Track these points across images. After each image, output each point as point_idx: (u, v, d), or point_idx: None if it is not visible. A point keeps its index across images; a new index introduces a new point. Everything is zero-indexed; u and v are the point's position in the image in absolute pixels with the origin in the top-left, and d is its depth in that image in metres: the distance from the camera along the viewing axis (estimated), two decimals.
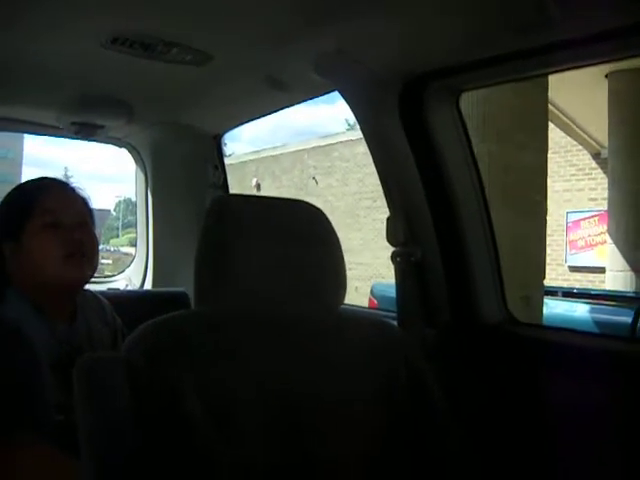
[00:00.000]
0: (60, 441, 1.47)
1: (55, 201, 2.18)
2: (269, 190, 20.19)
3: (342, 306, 1.85)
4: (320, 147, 19.24)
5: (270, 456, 1.58)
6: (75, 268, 2.13)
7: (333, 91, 2.50)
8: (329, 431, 1.67)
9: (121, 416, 1.50)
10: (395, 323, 2.42)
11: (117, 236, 43.71)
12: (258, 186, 20.82)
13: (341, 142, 18.59)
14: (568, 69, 2.18)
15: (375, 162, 2.47)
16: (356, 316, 2.02)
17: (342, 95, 2.43)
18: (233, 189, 3.67)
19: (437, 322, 2.44)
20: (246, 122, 3.33)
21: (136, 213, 3.84)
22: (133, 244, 4.06)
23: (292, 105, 2.91)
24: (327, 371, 1.71)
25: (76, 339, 2.18)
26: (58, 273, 2.10)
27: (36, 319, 2.06)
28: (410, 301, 2.46)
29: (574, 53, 1.91)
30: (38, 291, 2.11)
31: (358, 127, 2.57)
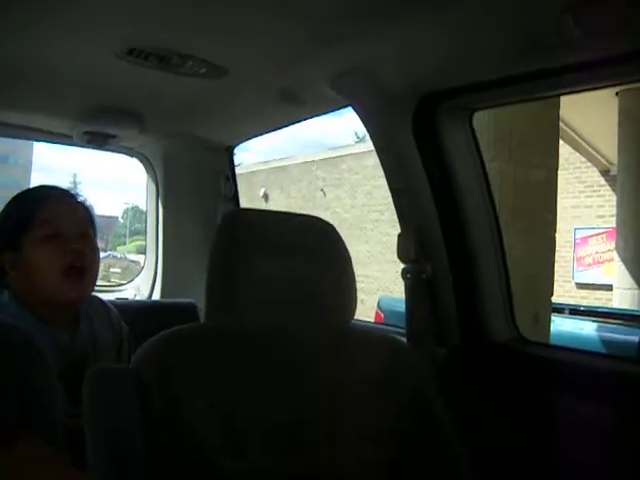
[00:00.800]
0: (69, 449, 1.47)
1: (54, 211, 2.15)
2: (277, 201, 20.20)
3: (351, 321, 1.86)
4: (329, 159, 19.24)
5: (275, 471, 1.58)
6: (74, 285, 2.10)
7: (347, 107, 2.51)
8: (335, 450, 1.67)
9: (129, 428, 1.50)
10: (404, 339, 2.42)
11: (124, 243, 43.74)
12: (266, 196, 20.83)
13: (350, 154, 18.59)
14: (583, 90, 2.18)
15: (387, 178, 2.47)
16: (366, 334, 2.02)
17: (356, 111, 2.43)
18: (241, 199, 3.67)
19: (446, 340, 2.44)
20: (259, 135, 3.33)
21: (143, 221, 3.85)
22: (140, 251, 4.05)
23: (305, 119, 2.91)
24: (335, 388, 1.71)
25: (80, 347, 2.17)
26: (57, 289, 2.08)
27: (37, 327, 2.04)
28: (420, 318, 2.46)
29: (590, 74, 1.90)
30: (38, 302, 2.09)
31: (367, 139, 2.58)
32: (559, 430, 2.11)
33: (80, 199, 2.28)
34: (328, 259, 1.78)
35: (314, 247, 1.76)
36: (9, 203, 2.21)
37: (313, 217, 1.87)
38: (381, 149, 2.46)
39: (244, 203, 3.81)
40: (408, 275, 2.46)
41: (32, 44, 2.21)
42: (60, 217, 2.14)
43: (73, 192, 2.30)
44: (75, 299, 2.14)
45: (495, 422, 2.27)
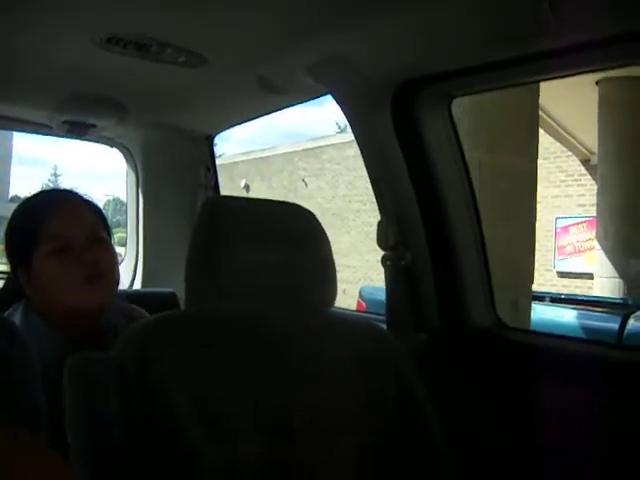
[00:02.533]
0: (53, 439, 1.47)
1: (61, 223, 2.03)
2: (258, 192, 20.18)
3: (332, 309, 1.86)
4: (310, 149, 19.25)
5: (259, 458, 1.59)
6: (93, 292, 1.99)
7: (326, 94, 2.50)
8: (318, 436, 1.67)
9: (111, 415, 1.50)
10: (384, 326, 2.43)
11: None
12: (247, 187, 20.81)
13: (331, 145, 18.60)
14: (561, 77, 2.19)
15: (367, 166, 2.48)
16: (347, 319, 2.02)
17: (335, 99, 2.44)
18: (222, 190, 3.67)
19: (426, 326, 2.45)
20: (239, 124, 3.33)
21: (125, 213, 3.83)
22: (121, 244, 4.03)
23: (285, 108, 2.91)
24: (316, 374, 1.72)
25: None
26: (75, 300, 1.97)
27: (50, 331, 1.98)
28: (400, 305, 2.47)
29: (568, 61, 1.91)
30: (59, 316, 2.00)
31: (348, 130, 2.58)
32: (539, 415, 2.12)
33: (86, 198, 2.18)
34: (308, 246, 1.78)
35: (294, 234, 1.77)
36: (13, 216, 2.11)
37: (293, 204, 1.87)
38: (360, 137, 2.47)
39: (225, 193, 3.79)
40: (388, 262, 2.47)
41: (7, 31, 2.19)
42: (68, 227, 2.03)
43: (77, 191, 2.19)
44: (95, 307, 2.02)
45: (475, 407, 2.29)
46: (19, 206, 2.16)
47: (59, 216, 2.04)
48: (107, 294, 2.06)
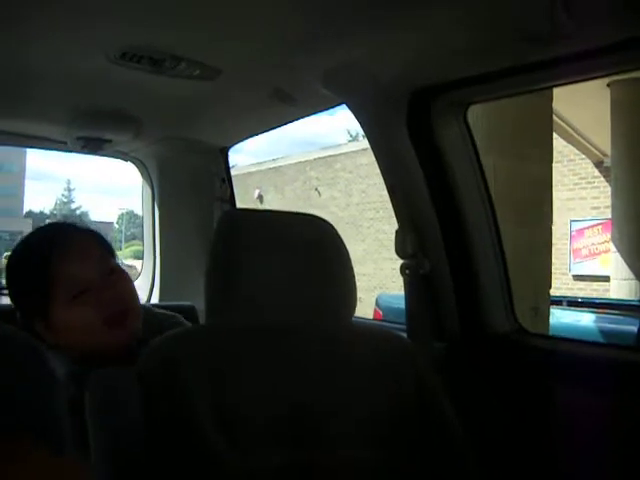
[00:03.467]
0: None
1: (73, 264, 1.92)
2: (272, 202, 20.21)
3: (352, 318, 1.86)
4: (322, 158, 19.27)
5: (280, 466, 1.59)
6: (122, 330, 1.93)
7: (341, 104, 2.51)
8: (337, 444, 1.67)
9: (134, 431, 1.51)
10: (404, 335, 2.43)
11: (120, 248, 43.79)
12: (260, 197, 20.85)
13: (344, 153, 18.62)
14: (577, 81, 2.18)
15: (383, 175, 2.48)
16: (367, 329, 2.03)
17: (350, 108, 2.44)
18: (235, 200, 3.67)
19: (447, 334, 2.45)
20: (254, 135, 3.33)
21: (138, 225, 3.84)
22: (136, 256, 4.03)
23: (300, 118, 2.91)
24: (337, 384, 1.72)
25: None
26: (104, 343, 1.92)
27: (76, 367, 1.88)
28: (419, 313, 2.46)
29: (583, 66, 1.91)
30: (86, 355, 1.93)
31: (360, 138, 2.58)
32: (561, 421, 2.12)
33: (83, 226, 2.11)
34: (327, 256, 1.78)
35: (312, 245, 1.77)
36: (16, 259, 2.01)
37: (310, 215, 1.87)
38: (376, 145, 2.47)
39: (239, 205, 3.80)
40: (407, 271, 2.46)
41: (23, 49, 2.20)
42: (79, 268, 1.93)
43: (71, 220, 2.10)
44: (126, 342, 1.95)
45: (497, 414, 2.28)
46: (20, 249, 2.04)
47: (68, 258, 1.94)
48: (135, 326, 1.99)
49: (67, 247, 1.96)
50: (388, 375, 1.79)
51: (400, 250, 2.45)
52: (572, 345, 2.48)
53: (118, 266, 2.06)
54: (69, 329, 1.91)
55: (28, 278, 1.94)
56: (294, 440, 1.62)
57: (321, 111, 2.78)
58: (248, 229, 1.72)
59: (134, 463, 1.50)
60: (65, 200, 53.75)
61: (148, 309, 2.22)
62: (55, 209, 53.28)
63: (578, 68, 1.95)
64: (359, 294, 1.83)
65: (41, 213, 53.72)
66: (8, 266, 2.00)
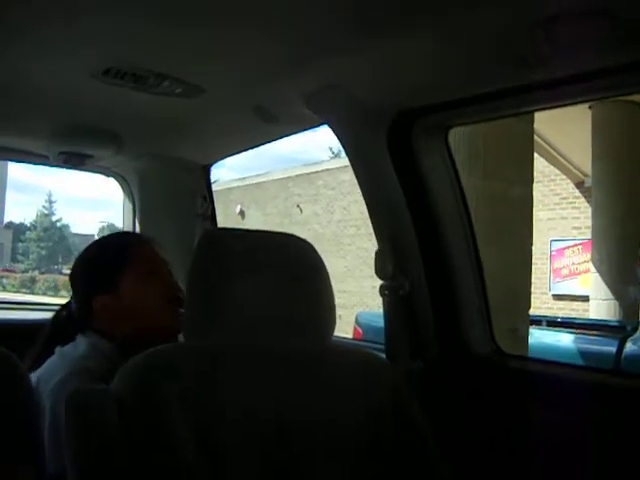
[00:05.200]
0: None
1: (150, 250, 2.21)
2: (253, 218, 20.20)
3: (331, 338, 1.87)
4: (305, 175, 19.29)
5: None
6: (176, 313, 2.07)
7: (323, 124, 2.51)
8: (316, 461, 1.67)
9: (111, 449, 1.50)
10: (383, 355, 2.43)
11: None
12: (242, 213, 20.83)
13: (326, 170, 18.64)
14: (557, 106, 2.21)
15: (364, 195, 2.48)
16: (346, 350, 2.03)
17: (332, 129, 2.44)
18: (217, 216, 3.67)
19: (425, 355, 2.45)
20: (235, 153, 3.33)
21: None
22: None
23: (282, 137, 2.92)
24: (315, 405, 1.72)
25: None
26: (164, 319, 2.08)
27: (106, 360, 2.00)
28: (398, 334, 2.47)
29: (563, 91, 1.93)
30: (134, 340, 2.03)
31: (342, 155, 2.59)
32: (538, 443, 2.12)
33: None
34: (306, 276, 1.79)
35: (292, 265, 1.78)
36: (91, 249, 2.24)
37: (290, 235, 1.88)
38: (357, 166, 2.47)
39: (220, 220, 3.80)
40: (386, 292, 2.47)
41: (6, 64, 2.20)
42: (155, 255, 2.21)
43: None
44: (175, 328, 2.09)
45: (474, 435, 2.28)
46: (95, 242, 2.32)
47: (147, 245, 2.25)
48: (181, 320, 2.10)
49: (141, 239, 2.37)
50: (366, 396, 1.79)
51: (380, 271, 2.46)
52: (550, 367, 2.49)
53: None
54: (136, 301, 2.09)
55: (106, 257, 2.16)
56: (274, 460, 1.62)
57: (303, 130, 2.78)
58: (227, 249, 1.72)
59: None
60: (46, 212, 53.40)
61: None
62: (36, 221, 52.95)
63: (558, 94, 1.97)
64: (339, 311, 1.84)
65: (21, 224, 53.56)
66: (80, 256, 2.25)
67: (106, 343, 2.04)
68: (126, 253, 2.15)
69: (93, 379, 1.87)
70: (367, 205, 2.48)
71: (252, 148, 3.16)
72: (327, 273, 1.82)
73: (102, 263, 2.14)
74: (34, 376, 1.85)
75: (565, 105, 2.16)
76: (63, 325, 2.16)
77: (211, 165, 3.51)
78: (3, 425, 1.36)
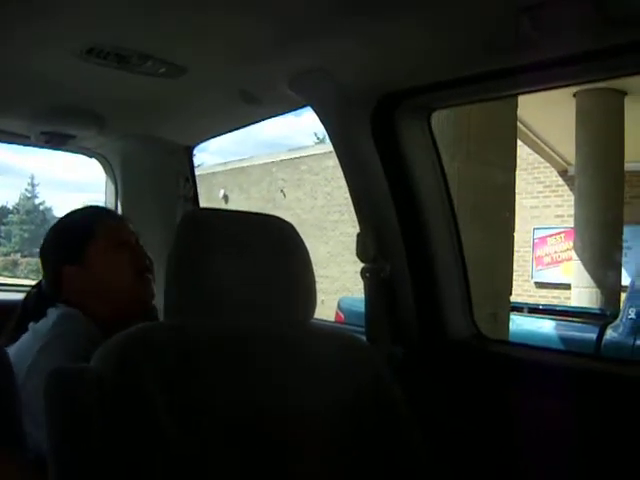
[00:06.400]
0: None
1: (117, 223, 2.24)
2: (237, 202, 20.18)
3: (311, 320, 1.87)
4: (289, 160, 19.28)
5: (241, 468, 1.59)
6: (145, 285, 2.15)
7: (306, 106, 2.51)
8: (297, 445, 1.67)
9: (89, 426, 1.49)
10: (363, 338, 2.43)
11: None
12: (226, 197, 20.81)
13: (310, 155, 18.64)
14: (540, 90, 2.21)
15: (346, 178, 2.48)
16: (325, 331, 2.03)
17: (315, 111, 2.44)
18: (200, 200, 3.66)
19: (405, 338, 2.45)
20: (218, 135, 3.32)
21: None
22: None
23: (265, 119, 2.91)
24: (295, 385, 1.72)
25: None
26: (132, 290, 2.11)
27: (82, 325, 2.01)
28: (379, 317, 2.47)
29: (547, 75, 1.93)
30: (103, 314, 2.07)
31: (327, 141, 2.58)
32: (518, 427, 2.13)
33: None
34: (287, 258, 1.79)
35: (273, 246, 1.78)
36: (62, 220, 2.26)
37: (272, 216, 1.88)
38: (340, 149, 2.47)
39: (203, 204, 3.80)
40: (367, 274, 2.47)
41: None
42: (122, 227, 2.23)
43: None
44: (147, 298, 2.17)
45: (453, 419, 2.29)
46: (65, 216, 2.28)
47: (115, 218, 2.30)
48: (153, 290, 2.20)
49: (110, 213, 2.39)
50: (346, 377, 1.80)
51: (361, 253, 2.46)
52: (530, 352, 2.50)
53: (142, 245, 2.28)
54: (102, 274, 2.10)
55: (74, 229, 2.18)
56: (250, 443, 1.62)
57: (287, 112, 2.78)
58: (209, 229, 1.72)
59: (87, 460, 1.49)
60: (29, 195, 53.26)
61: None
62: (18, 204, 52.76)
63: (542, 77, 1.97)
64: (322, 296, 1.84)
65: (2, 208, 53.31)
66: (50, 229, 2.24)
67: (75, 310, 2.05)
68: (94, 224, 2.15)
69: (66, 347, 1.89)
70: (349, 187, 2.48)
71: (235, 129, 3.16)
72: (309, 255, 1.83)
73: (70, 234, 2.16)
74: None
75: (549, 89, 2.16)
76: (34, 301, 2.17)
77: (194, 146, 3.50)
78: None
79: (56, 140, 3.16)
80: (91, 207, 2.34)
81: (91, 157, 3.64)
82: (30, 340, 1.96)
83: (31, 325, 2.03)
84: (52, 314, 2.04)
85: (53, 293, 2.11)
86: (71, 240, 2.13)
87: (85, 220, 2.19)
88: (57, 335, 1.94)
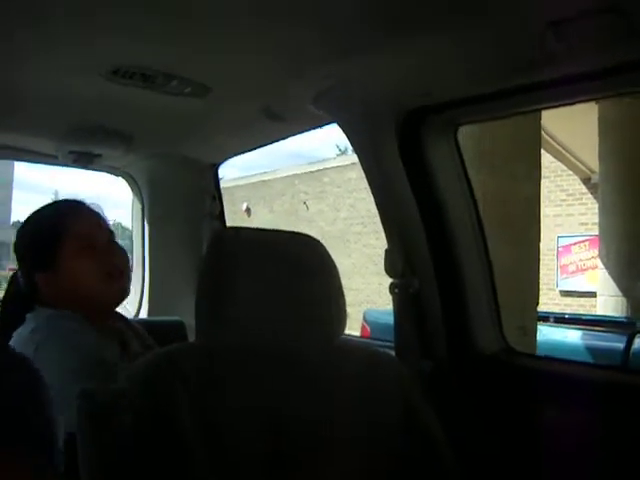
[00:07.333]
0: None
1: (86, 224, 2.18)
2: (260, 215, 20.19)
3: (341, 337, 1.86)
4: (311, 172, 19.27)
5: None
6: (116, 286, 2.15)
7: (331, 123, 2.51)
8: (326, 462, 1.67)
9: (121, 446, 1.50)
10: (392, 353, 2.43)
11: None
12: (248, 210, 20.82)
13: (332, 167, 18.64)
14: (566, 104, 2.20)
15: (374, 194, 2.48)
16: (356, 348, 2.03)
17: (341, 128, 2.44)
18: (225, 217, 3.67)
19: (434, 353, 2.45)
20: (243, 152, 3.33)
21: (127, 237, 3.83)
22: None
23: (290, 136, 2.92)
24: (323, 404, 1.71)
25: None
26: (102, 293, 2.12)
27: (83, 326, 2.05)
28: (408, 332, 2.47)
29: (572, 89, 1.93)
30: (80, 314, 2.08)
31: (349, 152, 2.58)
32: (549, 441, 2.12)
33: (95, 209, 2.31)
34: (316, 274, 1.78)
35: (302, 263, 1.77)
36: (30, 222, 2.22)
37: (299, 233, 1.88)
38: (366, 164, 2.47)
39: (227, 217, 3.80)
40: (396, 290, 2.47)
41: (17, 64, 2.21)
42: (91, 229, 2.18)
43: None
44: (117, 299, 2.19)
45: (484, 434, 2.28)
46: (34, 214, 2.23)
47: (83, 218, 2.20)
48: (126, 288, 2.22)
49: (79, 211, 2.23)
50: (376, 394, 1.79)
51: (390, 269, 2.46)
52: (560, 365, 2.49)
53: (116, 241, 2.27)
54: (73, 279, 2.10)
55: (42, 233, 2.14)
56: (280, 464, 1.62)
57: (311, 129, 2.79)
58: (239, 248, 1.72)
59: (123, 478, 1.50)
60: None
61: None
62: None
63: (567, 92, 1.97)
64: (347, 309, 1.84)
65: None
66: (20, 228, 2.22)
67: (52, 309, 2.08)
68: (60, 228, 2.12)
69: (63, 343, 1.95)
70: (376, 204, 2.48)
71: (260, 147, 3.17)
72: (337, 272, 1.82)
73: (38, 240, 2.14)
74: None
75: (574, 103, 2.16)
76: (12, 301, 2.20)
77: (219, 164, 3.51)
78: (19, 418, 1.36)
79: (83, 159, 3.19)
80: (61, 204, 2.31)
81: (118, 176, 3.66)
82: (20, 345, 1.95)
83: (15, 333, 2.04)
84: (30, 320, 2.06)
85: (29, 296, 2.13)
86: (41, 247, 2.12)
87: (51, 225, 2.15)
88: (53, 332, 1.97)
